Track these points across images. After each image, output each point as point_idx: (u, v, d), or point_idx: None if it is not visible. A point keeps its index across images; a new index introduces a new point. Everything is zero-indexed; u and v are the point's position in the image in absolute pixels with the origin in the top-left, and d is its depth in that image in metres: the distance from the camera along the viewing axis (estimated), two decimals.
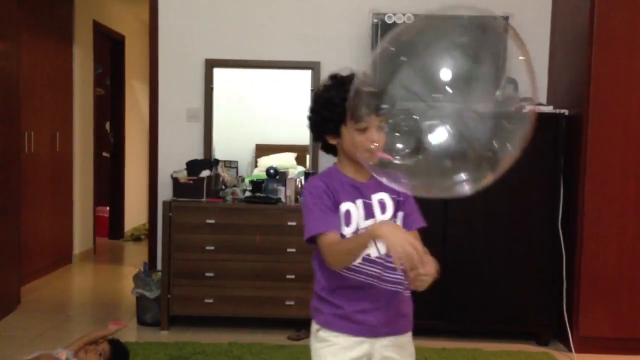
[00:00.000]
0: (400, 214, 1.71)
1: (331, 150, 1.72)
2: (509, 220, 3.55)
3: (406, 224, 1.70)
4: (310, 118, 1.70)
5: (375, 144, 1.56)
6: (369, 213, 1.67)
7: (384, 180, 1.51)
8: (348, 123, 1.60)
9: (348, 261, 1.61)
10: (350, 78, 1.61)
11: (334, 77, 1.67)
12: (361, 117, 1.57)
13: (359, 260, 1.63)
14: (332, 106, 1.62)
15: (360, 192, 1.68)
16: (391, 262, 1.64)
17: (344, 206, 1.65)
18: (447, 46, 1.46)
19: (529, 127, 1.43)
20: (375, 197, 1.68)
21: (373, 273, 1.67)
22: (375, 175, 1.53)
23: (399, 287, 1.69)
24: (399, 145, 1.48)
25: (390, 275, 1.68)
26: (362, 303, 1.67)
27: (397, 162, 1.49)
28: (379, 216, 1.67)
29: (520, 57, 1.42)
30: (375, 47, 3.66)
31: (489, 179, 1.44)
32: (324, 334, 1.72)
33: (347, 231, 1.65)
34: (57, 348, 2.86)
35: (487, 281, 3.58)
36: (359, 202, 1.67)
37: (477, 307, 3.60)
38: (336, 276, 1.68)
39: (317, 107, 1.67)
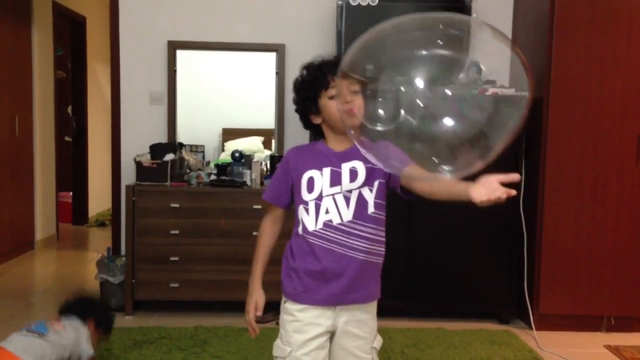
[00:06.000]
0: (377, 183, 1.74)
1: (318, 132, 1.81)
2: (471, 201, 3.60)
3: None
4: (296, 109, 1.80)
5: (347, 102, 1.59)
6: (335, 181, 1.73)
7: (364, 152, 1.52)
8: (321, 95, 1.71)
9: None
10: (316, 60, 1.74)
11: (304, 66, 1.78)
12: (327, 84, 1.69)
13: (320, 225, 1.72)
14: (305, 85, 1.73)
15: (330, 160, 1.74)
16: (355, 229, 1.72)
17: (308, 174, 1.75)
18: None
19: (523, 113, 1.45)
20: (347, 166, 1.73)
21: (333, 239, 1.72)
22: (360, 147, 1.51)
23: (361, 254, 1.72)
24: (378, 111, 1.48)
25: (353, 242, 1.72)
26: (325, 270, 1.72)
27: (364, 121, 1.50)
28: (346, 184, 1.72)
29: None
30: (340, 29, 3.68)
31: (478, 166, 1.46)
32: (290, 306, 1.79)
33: (309, 197, 1.74)
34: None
35: (450, 263, 3.64)
36: (326, 170, 1.74)
37: (441, 288, 3.66)
38: (304, 242, 1.75)
39: (296, 93, 1.78)
